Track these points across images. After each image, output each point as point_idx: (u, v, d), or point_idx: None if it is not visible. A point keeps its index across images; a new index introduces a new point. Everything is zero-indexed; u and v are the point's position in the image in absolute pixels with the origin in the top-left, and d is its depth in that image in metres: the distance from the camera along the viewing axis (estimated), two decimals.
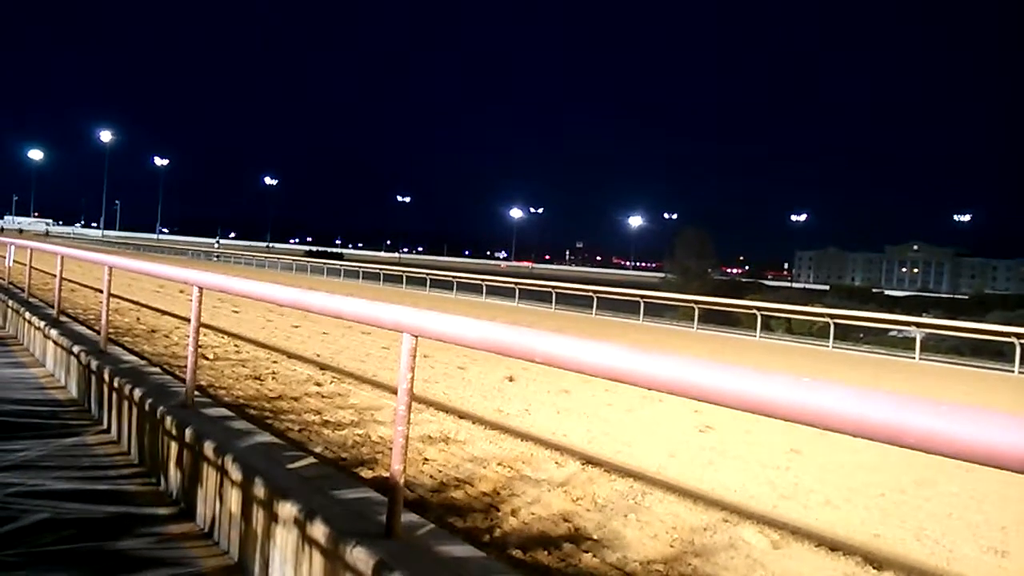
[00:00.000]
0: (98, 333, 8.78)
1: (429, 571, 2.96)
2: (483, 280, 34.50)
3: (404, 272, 40.94)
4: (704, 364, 2.12)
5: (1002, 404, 12.40)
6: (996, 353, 20.87)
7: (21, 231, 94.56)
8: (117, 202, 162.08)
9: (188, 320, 6.21)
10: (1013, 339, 18.25)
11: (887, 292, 76.54)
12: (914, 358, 19.20)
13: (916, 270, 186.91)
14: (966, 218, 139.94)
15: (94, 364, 7.48)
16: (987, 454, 1.63)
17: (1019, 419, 1.63)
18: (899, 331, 23.85)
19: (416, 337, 3.34)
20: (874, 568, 4.16)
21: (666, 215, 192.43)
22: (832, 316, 22.10)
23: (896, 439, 1.74)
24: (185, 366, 6.12)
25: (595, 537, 4.27)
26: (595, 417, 7.78)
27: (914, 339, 20.23)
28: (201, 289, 5.65)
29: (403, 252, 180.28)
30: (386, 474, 4.05)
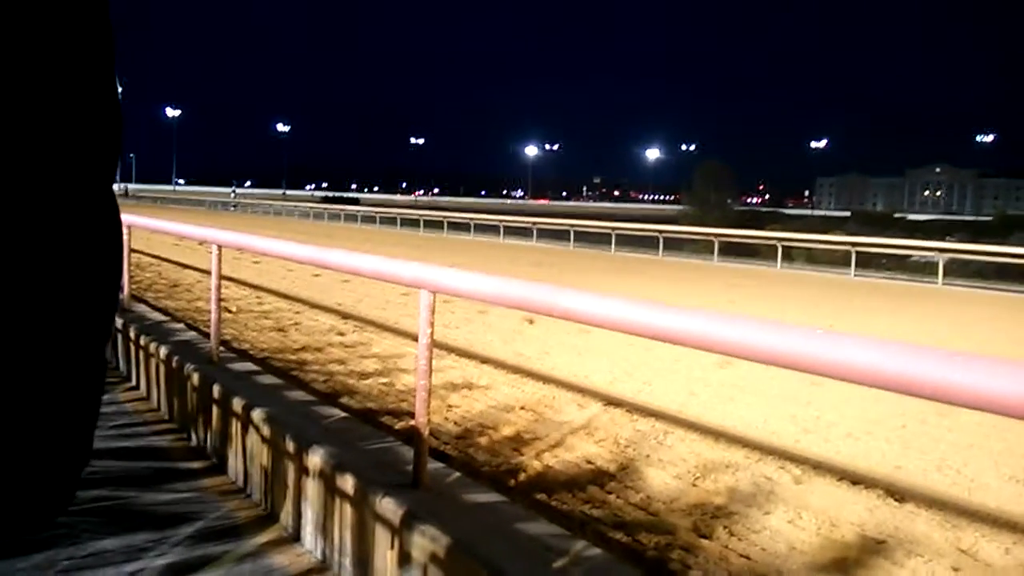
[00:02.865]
0: (121, 291, 8.90)
1: (457, 520, 3.04)
2: (500, 221, 34.41)
3: (421, 216, 40.86)
4: (719, 317, 2.14)
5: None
6: (1021, 275, 20.58)
7: None
8: (132, 155, 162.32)
9: (208, 272, 6.28)
10: None
11: (909, 217, 75.65)
12: (937, 283, 19.09)
13: (939, 193, 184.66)
14: (989, 138, 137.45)
15: (120, 322, 7.60)
16: (1002, 404, 1.65)
17: None
18: (921, 256, 23.63)
19: (434, 293, 3.37)
20: (896, 500, 4.21)
21: (684, 146, 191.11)
22: (853, 244, 21.94)
23: (912, 390, 1.76)
24: (209, 320, 6.22)
25: (618, 478, 4.34)
26: (615, 356, 7.83)
27: (937, 264, 20.08)
28: (220, 247, 5.70)
29: (419, 194, 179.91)
30: (412, 423, 4.13)
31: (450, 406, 5.69)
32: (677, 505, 3.98)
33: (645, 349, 8.00)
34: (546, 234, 31.66)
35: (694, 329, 2.17)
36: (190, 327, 7.61)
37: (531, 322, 9.51)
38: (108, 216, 0.74)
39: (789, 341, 1.95)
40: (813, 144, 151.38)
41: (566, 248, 28.32)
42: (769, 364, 2.01)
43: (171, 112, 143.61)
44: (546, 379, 6.73)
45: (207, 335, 6.42)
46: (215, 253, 5.69)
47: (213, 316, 5.79)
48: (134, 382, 7.08)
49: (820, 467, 4.70)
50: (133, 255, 12.82)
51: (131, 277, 9.46)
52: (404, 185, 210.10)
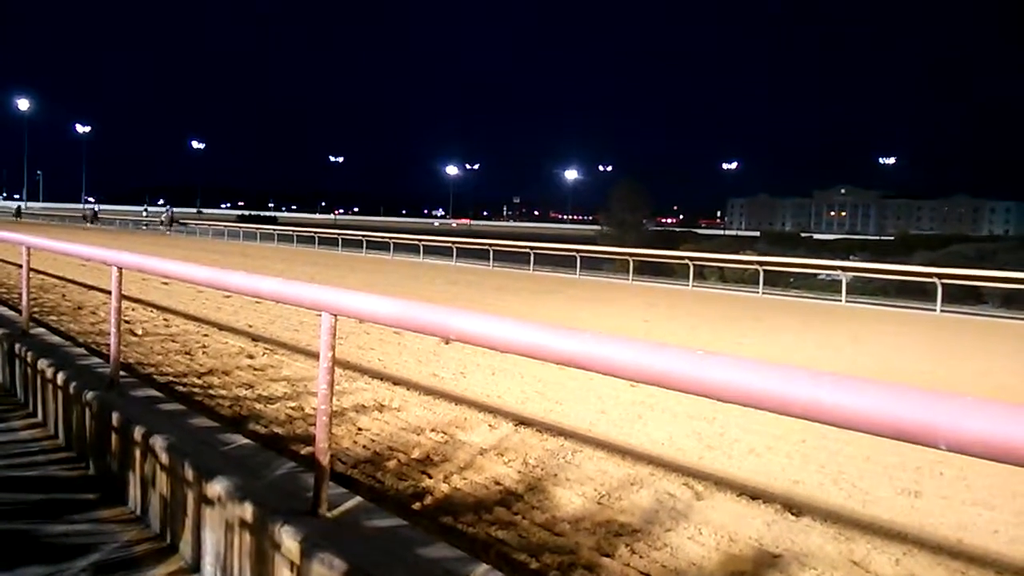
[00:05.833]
0: (21, 314, 8.57)
1: (356, 546, 3.02)
2: (420, 240, 34.33)
3: (340, 235, 40.45)
4: (604, 339, 2.19)
5: (921, 343, 12.88)
6: (920, 292, 21.47)
7: None
8: (39, 173, 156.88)
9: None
10: (934, 279, 18.87)
11: (816, 236, 78.47)
12: (841, 301, 19.77)
13: (844, 213, 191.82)
14: (891, 160, 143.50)
15: (17, 347, 7.33)
16: (867, 423, 1.73)
17: (894, 388, 1.73)
18: (827, 275, 24.48)
19: (335, 316, 3.36)
20: (793, 514, 4.33)
21: (601, 167, 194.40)
22: (761, 263, 22.59)
23: (782, 409, 1.83)
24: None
25: (526, 499, 4.37)
26: (529, 376, 7.87)
27: (841, 282, 20.82)
28: (121, 269, 5.55)
29: (339, 213, 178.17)
30: (312, 448, 4.08)
31: (360, 429, 5.64)
32: (582, 524, 4.03)
33: (559, 368, 8.06)
34: (466, 253, 31.71)
35: (577, 349, 2.22)
36: (92, 351, 7.37)
37: (447, 342, 9.51)
38: None
39: (667, 361, 2.00)
40: (725, 166, 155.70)
41: (486, 268, 28.39)
42: (650, 384, 2.07)
43: (81, 128, 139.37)
44: (459, 400, 6.73)
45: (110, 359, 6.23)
46: (115, 276, 5.54)
47: (113, 340, 5.63)
48: (31, 409, 6.82)
49: (722, 483, 4.81)
50: (36, 276, 12.36)
51: (33, 299, 9.12)
52: (323, 204, 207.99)
